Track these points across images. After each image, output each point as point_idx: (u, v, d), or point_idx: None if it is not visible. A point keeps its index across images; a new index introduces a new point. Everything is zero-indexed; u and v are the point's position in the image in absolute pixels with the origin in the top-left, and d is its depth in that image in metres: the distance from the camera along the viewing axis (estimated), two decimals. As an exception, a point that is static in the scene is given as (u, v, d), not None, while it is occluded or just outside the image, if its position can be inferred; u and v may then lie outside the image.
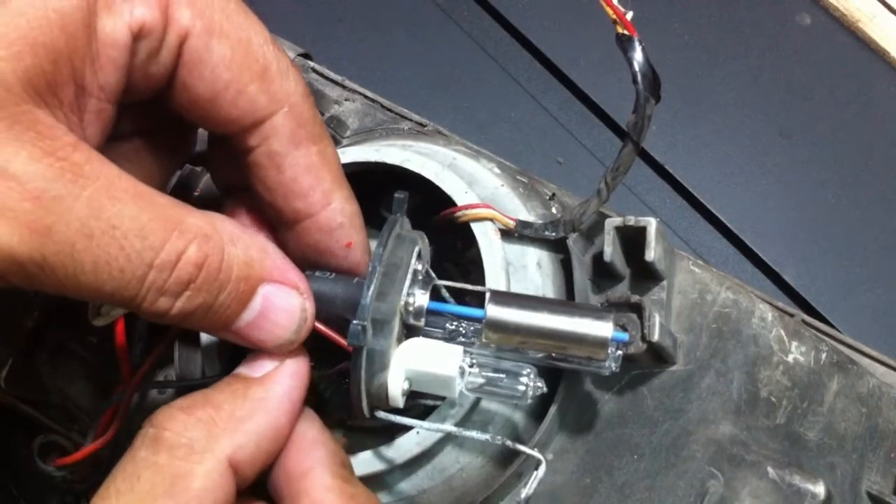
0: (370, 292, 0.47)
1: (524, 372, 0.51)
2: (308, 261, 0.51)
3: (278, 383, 0.46)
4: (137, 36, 0.43)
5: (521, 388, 0.51)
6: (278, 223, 0.51)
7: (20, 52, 0.38)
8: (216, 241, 0.42)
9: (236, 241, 0.43)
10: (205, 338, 0.58)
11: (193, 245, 0.41)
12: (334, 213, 0.49)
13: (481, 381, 0.51)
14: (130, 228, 0.39)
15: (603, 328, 0.50)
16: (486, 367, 0.51)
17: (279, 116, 0.47)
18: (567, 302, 0.58)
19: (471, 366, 0.51)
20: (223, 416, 0.44)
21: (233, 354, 0.59)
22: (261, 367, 0.47)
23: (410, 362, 0.50)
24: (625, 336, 0.51)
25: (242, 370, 0.47)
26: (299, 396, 0.47)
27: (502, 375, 0.51)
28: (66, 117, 0.41)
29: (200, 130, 0.55)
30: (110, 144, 0.46)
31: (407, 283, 0.50)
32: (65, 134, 0.39)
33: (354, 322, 0.46)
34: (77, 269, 0.38)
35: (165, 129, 0.51)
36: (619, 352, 0.51)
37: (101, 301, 0.41)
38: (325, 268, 0.51)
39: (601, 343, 0.49)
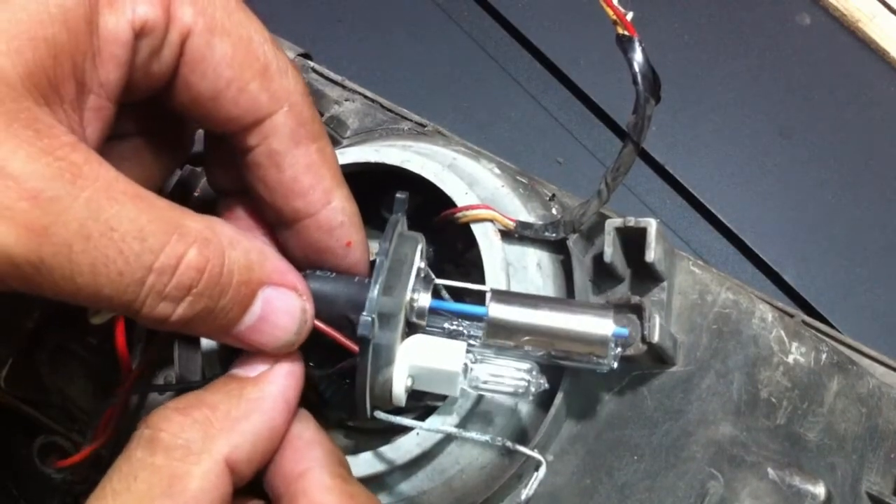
0: (378, 286, 0.47)
1: (526, 369, 0.51)
2: (307, 260, 0.51)
3: (273, 383, 0.46)
4: (139, 33, 0.43)
5: (524, 384, 0.51)
6: (277, 223, 0.51)
7: (21, 46, 0.38)
8: (216, 244, 0.42)
9: (236, 245, 0.43)
10: (205, 339, 0.58)
11: (194, 249, 0.40)
12: (335, 212, 0.49)
13: (484, 378, 0.51)
14: (129, 231, 0.38)
15: (604, 325, 0.50)
16: (488, 365, 0.51)
17: (280, 115, 0.47)
18: (567, 300, 0.58)
19: (473, 362, 0.51)
20: (219, 417, 0.44)
21: (232, 356, 0.59)
22: (255, 367, 0.47)
23: (414, 358, 0.50)
24: (625, 331, 0.51)
25: (237, 370, 0.47)
26: (294, 395, 0.47)
27: (504, 373, 0.51)
28: (66, 115, 0.40)
29: (198, 131, 0.55)
30: (109, 144, 0.46)
31: (412, 279, 0.50)
32: (64, 133, 0.38)
33: (364, 314, 0.46)
34: (74, 271, 0.38)
35: (164, 129, 0.51)
36: (619, 348, 0.51)
37: (100, 306, 0.40)
38: (324, 267, 0.51)
39: (602, 339, 0.50)
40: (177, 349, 0.63)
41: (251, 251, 0.44)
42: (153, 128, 0.51)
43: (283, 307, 0.45)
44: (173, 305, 0.41)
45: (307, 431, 0.48)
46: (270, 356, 0.47)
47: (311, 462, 0.46)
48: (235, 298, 0.43)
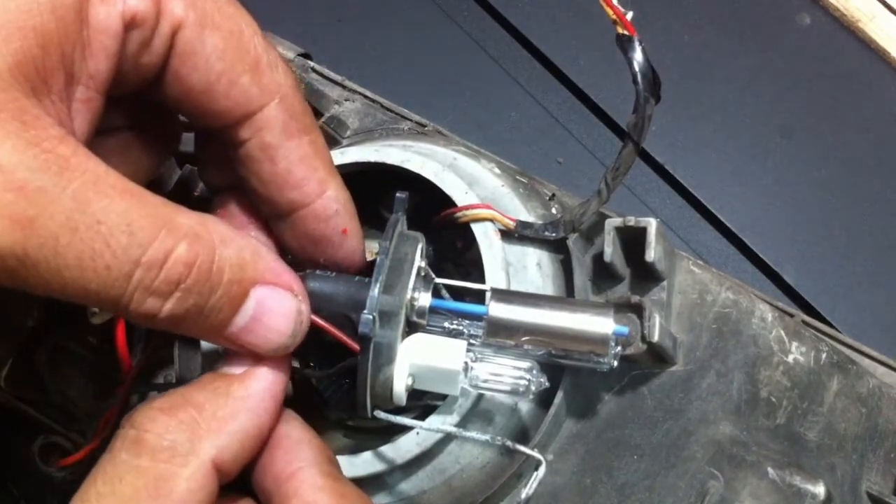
0: (379, 284, 0.47)
1: (526, 367, 0.51)
2: (304, 251, 0.51)
3: (260, 380, 0.45)
4: (129, 25, 0.42)
5: (524, 383, 0.51)
6: (273, 215, 0.51)
7: (9, 35, 0.37)
8: (207, 241, 0.41)
9: (228, 243, 0.42)
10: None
11: (183, 244, 0.40)
12: (329, 201, 0.50)
13: (484, 376, 0.51)
14: (117, 224, 0.38)
15: (604, 323, 0.50)
16: (489, 363, 0.51)
17: (271, 108, 0.47)
18: (567, 298, 0.58)
19: (474, 361, 0.51)
20: (205, 417, 0.43)
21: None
22: (241, 364, 0.46)
23: (415, 357, 0.50)
24: (625, 330, 0.51)
25: (223, 367, 0.46)
26: (281, 391, 0.46)
27: (504, 371, 0.51)
28: (53, 106, 0.40)
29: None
30: (98, 138, 0.45)
31: (412, 277, 0.50)
32: (51, 125, 0.38)
33: (365, 312, 0.46)
34: (60, 265, 0.37)
35: (152, 123, 0.51)
36: (619, 347, 0.51)
37: (88, 302, 0.40)
38: (321, 257, 0.51)
39: (602, 338, 0.50)
40: (177, 349, 0.62)
41: (244, 249, 0.43)
42: (142, 122, 0.51)
43: (278, 308, 0.45)
44: (161, 301, 0.40)
45: (295, 431, 0.47)
46: (262, 357, 0.46)
47: (301, 462, 0.46)
48: (226, 297, 0.42)
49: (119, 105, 0.47)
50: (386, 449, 0.54)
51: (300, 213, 0.49)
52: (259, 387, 0.45)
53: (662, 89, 0.48)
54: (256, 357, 0.46)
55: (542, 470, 0.51)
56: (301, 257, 0.51)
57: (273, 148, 0.47)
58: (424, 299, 0.51)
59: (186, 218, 0.41)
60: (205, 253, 0.41)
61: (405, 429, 0.53)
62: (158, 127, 0.52)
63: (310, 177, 0.49)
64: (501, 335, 0.51)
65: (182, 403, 0.44)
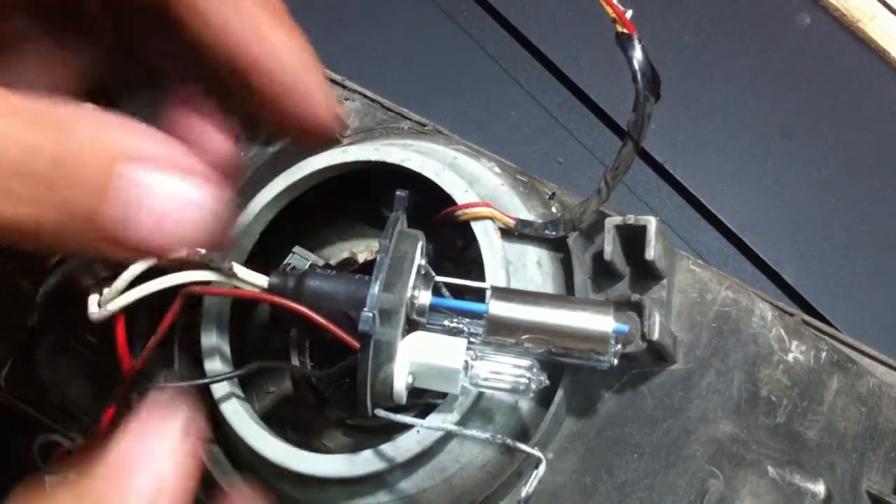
0: (379, 282, 0.47)
1: (526, 366, 0.51)
2: (273, 119, 0.45)
3: None
4: None
5: (524, 381, 0.51)
6: (226, 87, 0.44)
7: None
8: (71, 129, 0.35)
9: (100, 126, 0.36)
10: (205, 338, 0.58)
11: (42, 135, 0.34)
12: (278, 54, 0.43)
13: (484, 375, 0.51)
14: None
15: (604, 322, 0.50)
16: (489, 362, 0.51)
17: None
18: (567, 297, 0.58)
19: (474, 359, 0.51)
20: None
21: (237, 356, 0.59)
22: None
23: (415, 355, 0.50)
24: (625, 328, 0.51)
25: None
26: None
27: (504, 370, 0.51)
28: None
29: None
30: (15, 51, 0.41)
31: (413, 275, 0.50)
32: None
33: (364, 310, 0.46)
34: None
35: (72, 27, 0.46)
36: (619, 345, 0.51)
37: None
38: (292, 121, 0.45)
39: (602, 336, 0.50)
40: (177, 349, 0.63)
41: (116, 129, 0.37)
42: (66, 24, 0.45)
43: (165, 191, 0.37)
44: (23, 204, 0.33)
45: None
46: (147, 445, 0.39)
47: None
48: (91, 181, 0.35)
49: (33, 12, 0.43)
50: (386, 447, 0.54)
51: (251, 76, 0.43)
52: None
53: (662, 89, 0.48)
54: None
55: (542, 468, 0.51)
56: (277, 131, 0.46)
57: (205, 11, 0.41)
58: (424, 297, 0.51)
59: (48, 105, 0.35)
60: (69, 141, 0.35)
61: (405, 427, 0.53)
62: (80, 30, 0.46)
63: (247, 30, 0.42)
64: (501, 333, 0.51)
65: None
